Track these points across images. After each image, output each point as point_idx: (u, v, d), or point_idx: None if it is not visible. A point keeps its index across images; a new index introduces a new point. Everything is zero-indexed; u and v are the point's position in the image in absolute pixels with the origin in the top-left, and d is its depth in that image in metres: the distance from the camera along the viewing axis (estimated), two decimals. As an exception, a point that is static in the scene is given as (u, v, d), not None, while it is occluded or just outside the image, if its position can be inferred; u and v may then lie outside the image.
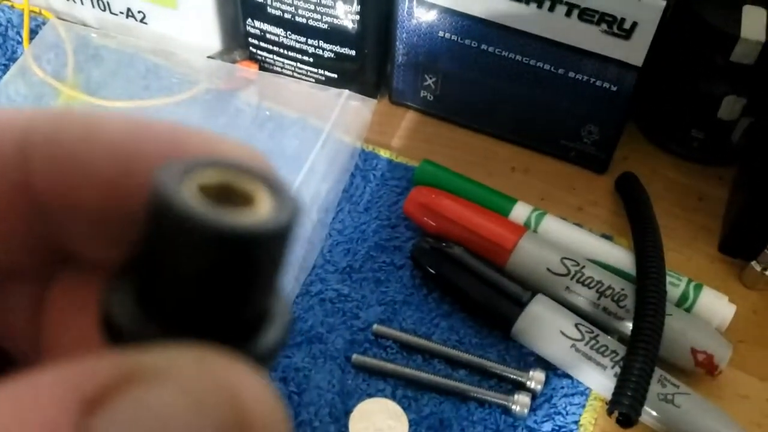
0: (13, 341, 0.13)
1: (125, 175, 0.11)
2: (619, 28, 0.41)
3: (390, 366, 0.40)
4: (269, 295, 0.11)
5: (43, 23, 0.54)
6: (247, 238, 0.10)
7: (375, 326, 0.41)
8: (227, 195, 0.10)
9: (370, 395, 0.39)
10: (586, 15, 0.42)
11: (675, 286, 0.41)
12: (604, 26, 0.42)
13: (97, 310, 0.10)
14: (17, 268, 0.12)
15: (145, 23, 0.53)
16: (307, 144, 0.47)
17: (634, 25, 0.41)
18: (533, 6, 0.42)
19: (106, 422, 0.08)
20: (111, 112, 0.11)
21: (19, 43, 0.54)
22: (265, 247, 0.10)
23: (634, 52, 0.42)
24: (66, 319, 0.13)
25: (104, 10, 0.54)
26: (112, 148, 0.11)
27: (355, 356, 0.40)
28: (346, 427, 0.38)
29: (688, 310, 0.41)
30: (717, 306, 0.41)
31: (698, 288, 0.41)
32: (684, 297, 0.41)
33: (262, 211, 0.10)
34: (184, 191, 0.10)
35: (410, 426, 0.39)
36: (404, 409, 0.39)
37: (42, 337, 0.13)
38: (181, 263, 0.10)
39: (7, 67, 0.53)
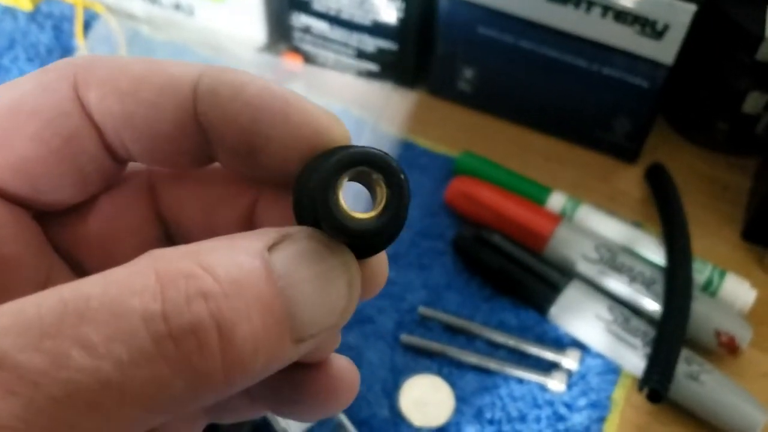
0: (191, 226, 0.20)
1: (255, 120, 0.16)
2: (651, 29, 0.44)
3: (436, 345, 0.43)
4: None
5: (94, 16, 0.57)
6: (359, 235, 0.15)
7: (421, 308, 0.45)
8: (367, 177, 0.16)
9: (417, 372, 0.43)
10: (621, 16, 0.44)
11: (700, 272, 0.44)
12: (637, 27, 0.44)
13: (292, 185, 0.17)
14: (222, 193, 0.19)
15: (193, 16, 0.56)
16: (353, 136, 0.50)
17: (666, 27, 0.43)
18: (570, 6, 0.45)
19: (278, 255, 0.15)
20: (253, 75, 0.17)
21: (73, 35, 0.56)
22: (372, 237, 0.16)
23: (665, 51, 0.44)
24: (218, 214, 0.19)
25: (153, 3, 0.56)
26: (251, 99, 0.16)
27: (403, 336, 0.44)
28: (396, 400, 0.42)
29: (712, 294, 0.44)
30: (739, 291, 0.44)
31: (722, 274, 0.44)
32: (709, 282, 0.44)
33: (376, 209, 0.15)
34: (333, 195, 0.15)
35: (455, 400, 0.42)
36: (450, 385, 0.42)
37: (205, 223, 0.20)
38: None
39: (62, 59, 0.55)
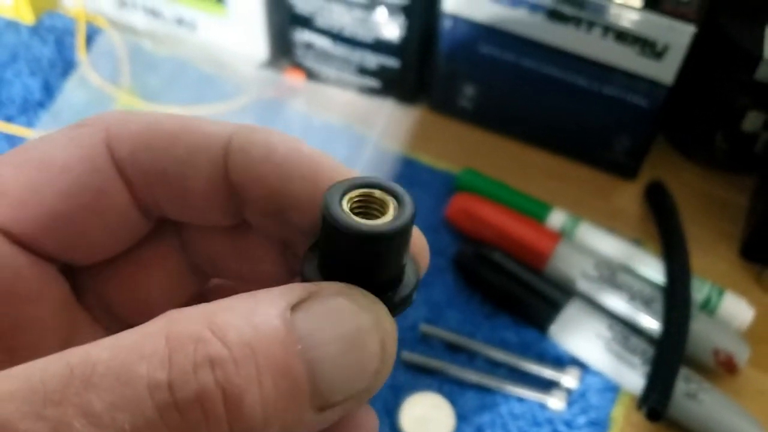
0: (228, 275, 0.20)
1: (286, 180, 0.17)
2: (651, 49, 0.44)
3: (437, 363, 0.44)
4: (396, 268, 0.16)
5: (96, 30, 0.57)
6: (374, 237, 0.15)
7: (422, 326, 0.45)
8: (369, 202, 0.16)
9: (418, 390, 0.43)
10: (621, 37, 0.45)
11: (699, 290, 0.45)
12: (637, 47, 0.45)
13: (299, 271, 0.17)
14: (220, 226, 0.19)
15: (195, 31, 0.56)
16: (355, 152, 0.50)
17: (666, 47, 0.44)
18: (571, 26, 0.45)
19: (302, 315, 0.14)
20: (283, 134, 0.17)
21: (75, 49, 0.56)
22: (387, 242, 0.15)
23: (664, 71, 0.45)
24: (257, 261, 0.19)
25: (156, 18, 0.57)
26: (282, 160, 0.17)
27: (404, 353, 0.44)
28: (397, 418, 0.42)
29: (710, 312, 0.45)
30: (737, 309, 0.44)
31: (720, 292, 0.45)
32: (707, 300, 0.45)
33: (386, 218, 0.16)
34: (340, 208, 0.15)
35: (456, 418, 0.42)
36: (450, 403, 0.43)
37: (244, 272, 0.20)
38: (340, 250, 0.16)
39: (64, 72, 0.56)
